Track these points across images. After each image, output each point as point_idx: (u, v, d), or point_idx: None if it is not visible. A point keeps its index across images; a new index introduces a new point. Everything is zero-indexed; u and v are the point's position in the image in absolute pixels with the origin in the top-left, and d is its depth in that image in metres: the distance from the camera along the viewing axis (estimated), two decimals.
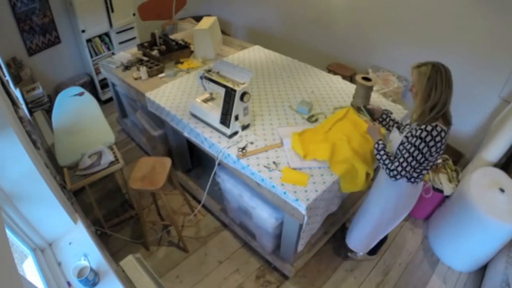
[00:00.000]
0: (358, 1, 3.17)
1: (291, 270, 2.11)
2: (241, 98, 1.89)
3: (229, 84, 1.91)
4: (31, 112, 3.10)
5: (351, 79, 3.20)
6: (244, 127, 2.05)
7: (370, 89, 2.16)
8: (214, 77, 1.99)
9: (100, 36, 3.62)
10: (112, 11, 3.49)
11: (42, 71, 3.47)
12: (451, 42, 2.64)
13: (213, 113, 2.05)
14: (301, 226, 1.72)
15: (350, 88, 2.50)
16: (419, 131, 1.45)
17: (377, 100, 2.35)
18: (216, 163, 2.02)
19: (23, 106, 2.83)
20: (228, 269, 2.26)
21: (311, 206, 1.63)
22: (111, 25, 3.58)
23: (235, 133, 2.02)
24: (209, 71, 2.05)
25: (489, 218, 1.95)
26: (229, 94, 1.91)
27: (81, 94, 2.89)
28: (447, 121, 1.47)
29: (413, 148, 1.47)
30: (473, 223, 2.05)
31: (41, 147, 2.12)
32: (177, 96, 2.43)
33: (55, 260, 1.49)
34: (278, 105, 2.32)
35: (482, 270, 2.25)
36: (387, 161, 1.59)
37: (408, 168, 1.52)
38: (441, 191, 2.34)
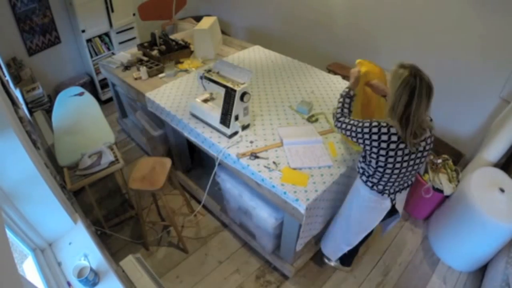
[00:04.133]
0: (358, 1, 3.17)
1: (291, 270, 2.11)
2: (241, 98, 1.89)
3: (229, 84, 1.91)
4: (31, 112, 3.10)
5: None
6: (244, 127, 2.05)
7: None
8: (214, 77, 1.99)
9: (100, 36, 3.62)
10: (112, 11, 3.49)
11: (42, 71, 3.48)
12: (451, 42, 2.64)
13: (213, 113, 2.05)
14: (301, 226, 1.72)
15: None
16: (374, 122, 1.39)
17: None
18: (216, 163, 2.02)
19: (23, 106, 2.83)
20: (228, 269, 2.26)
21: (311, 206, 1.63)
22: (111, 25, 3.57)
23: (235, 133, 2.02)
24: (209, 71, 2.05)
25: (489, 218, 1.95)
26: (229, 94, 1.91)
27: (81, 94, 2.89)
28: (415, 134, 1.34)
29: (356, 122, 1.46)
30: (473, 223, 2.05)
31: (41, 147, 2.12)
32: (177, 96, 2.43)
33: (55, 260, 1.49)
34: (278, 105, 2.32)
35: (482, 270, 2.25)
36: (339, 108, 1.61)
37: (340, 124, 1.53)
38: (441, 191, 2.34)
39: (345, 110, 1.61)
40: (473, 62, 2.57)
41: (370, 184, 1.57)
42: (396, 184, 1.53)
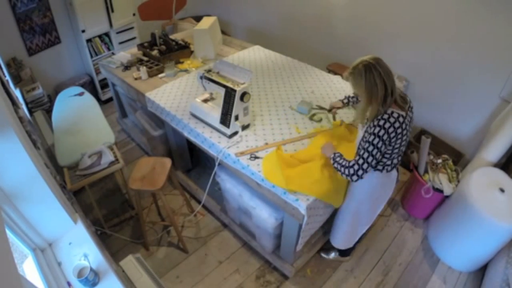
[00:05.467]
0: (358, 1, 3.17)
1: (291, 270, 2.11)
2: (241, 98, 1.89)
3: (229, 84, 1.91)
4: (31, 112, 3.10)
5: None
6: (244, 127, 2.05)
7: None
8: (214, 77, 1.99)
9: (100, 36, 3.62)
10: (112, 11, 3.49)
11: (42, 71, 3.48)
12: (451, 42, 2.64)
13: (213, 113, 2.05)
14: (301, 226, 1.72)
15: (350, 88, 2.49)
16: (372, 128, 1.44)
17: None
18: (216, 163, 2.02)
19: (23, 106, 2.83)
20: (228, 269, 2.26)
21: (311, 206, 1.63)
22: (111, 25, 3.57)
23: (235, 133, 2.02)
24: (209, 71, 2.05)
25: (489, 218, 1.95)
26: (229, 94, 1.91)
27: (81, 94, 2.89)
28: (400, 106, 1.44)
29: (371, 147, 1.45)
30: (473, 223, 2.05)
31: (41, 147, 2.12)
32: (177, 96, 2.43)
33: (55, 260, 1.49)
34: (278, 105, 2.32)
35: (482, 270, 2.25)
36: (344, 164, 1.54)
37: (365, 166, 1.48)
38: (441, 191, 2.34)
39: (346, 162, 1.55)
40: (473, 62, 2.57)
41: (381, 168, 1.62)
42: (400, 153, 1.61)
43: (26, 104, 3.09)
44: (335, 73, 3.11)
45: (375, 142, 1.44)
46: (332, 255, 2.28)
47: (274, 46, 3.33)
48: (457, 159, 2.80)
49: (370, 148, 1.45)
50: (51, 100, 3.27)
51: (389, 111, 1.42)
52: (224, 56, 3.00)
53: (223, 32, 3.42)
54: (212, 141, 2.01)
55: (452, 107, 2.85)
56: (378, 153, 1.46)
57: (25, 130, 1.69)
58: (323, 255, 2.30)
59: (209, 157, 2.27)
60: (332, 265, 2.28)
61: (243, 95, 1.89)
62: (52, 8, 3.29)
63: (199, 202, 2.53)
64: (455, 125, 2.90)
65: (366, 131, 1.50)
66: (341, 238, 2.04)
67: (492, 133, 2.40)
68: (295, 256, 2.08)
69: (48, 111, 3.15)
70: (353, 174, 1.51)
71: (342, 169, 1.55)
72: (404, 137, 1.49)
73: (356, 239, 2.06)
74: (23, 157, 1.27)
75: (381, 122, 1.41)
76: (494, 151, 2.35)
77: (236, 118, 1.97)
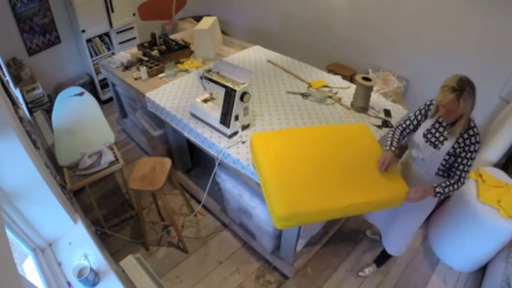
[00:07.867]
0: (358, 1, 3.17)
1: (291, 270, 2.11)
2: (241, 98, 1.89)
3: (229, 84, 1.91)
4: (31, 112, 3.10)
5: (351, 79, 3.20)
6: (244, 127, 2.05)
7: (370, 89, 2.16)
8: (214, 77, 1.99)
9: (100, 36, 3.62)
10: (112, 11, 3.49)
11: (42, 71, 3.48)
12: (451, 42, 2.64)
13: (213, 113, 2.05)
14: (301, 226, 1.72)
15: (350, 88, 2.50)
16: (473, 137, 1.46)
17: (377, 100, 2.35)
18: (216, 163, 2.02)
19: (23, 106, 2.83)
20: (228, 269, 2.26)
21: None
22: (111, 25, 3.58)
23: (235, 133, 2.02)
24: (209, 71, 2.05)
25: (489, 218, 1.95)
26: (229, 94, 1.91)
27: (81, 94, 2.89)
28: None
29: (471, 161, 1.50)
30: (473, 223, 2.05)
31: (41, 147, 2.12)
32: (177, 96, 2.43)
33: (55, 260, 1.49)
34: (278, 105, 2.32)
35: (482, 270, 2.25)
36: (454, 186, 1.55)
37: (466, 169, 1.52)
38: None
39: (452, 183, 1.56)
40: (473, 62, 2.57)
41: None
42: None
43: (26, 104, 3.09)
44: (335, 73, 3.11)
45: (473, 157, 1.49)
46: (369, 269, 2.22)
47: (274, 46, 3.33)
48: None
49: (470, 163, 1.50)
50: (51, 100, 3.27)
51: (472, 124, 1.47)
52: (224, 56, 3.00)
53: (223, 32, 3.42)
54: (212, 141, 2.01)
55: None
56: (468, 167, 1.52)
57: (25, 130, 1.69)
58: (360, 274, 2.22)
59: (209, 157, 2.27)
60: (332, 265, 2.28)
61: (243, 95, 1.89)
62: (52, 8, 3.29)
63: (199, 202, 2.53)
64: None
65: (460, 147, 1.49)
66: (400, 245, 2.01)
67: (492, 133, 2.40)
68: (295, 256, 2.08)
69: (48, 111, 3.15)
70: (463, 184, 1.56)
71: (452, 191, 1.56)
72: None
73: (407, 244, 2.05)
74: (23, 157, 1.27)
75: (479, 138, 1.46)
76: (494, 151, 2.35)
77: (236, 118, 1.97)
